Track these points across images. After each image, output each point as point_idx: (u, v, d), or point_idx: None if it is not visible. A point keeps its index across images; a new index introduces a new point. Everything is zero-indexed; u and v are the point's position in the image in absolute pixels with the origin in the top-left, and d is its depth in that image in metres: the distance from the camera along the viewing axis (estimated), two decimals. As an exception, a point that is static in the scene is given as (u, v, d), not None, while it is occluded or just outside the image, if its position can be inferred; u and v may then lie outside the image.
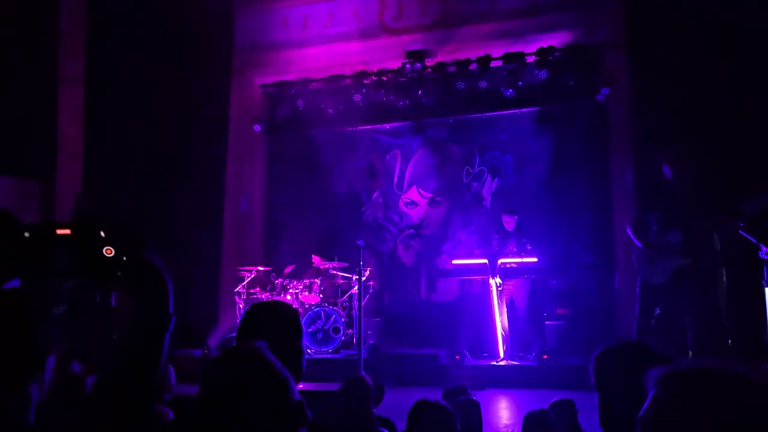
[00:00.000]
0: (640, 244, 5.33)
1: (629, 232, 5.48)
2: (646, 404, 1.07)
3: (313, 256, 8.28)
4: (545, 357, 6.67)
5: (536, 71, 7.96)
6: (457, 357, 6.94)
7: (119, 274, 1.23)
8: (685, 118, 6.70)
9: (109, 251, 1.20)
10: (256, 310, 1.97)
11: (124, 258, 1.23)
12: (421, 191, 9.23)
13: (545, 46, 7.95)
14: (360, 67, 8.75)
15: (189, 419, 1.93)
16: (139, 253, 1.26)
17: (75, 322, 6.01)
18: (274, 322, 1.88)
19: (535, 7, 7.80)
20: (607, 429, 1.77)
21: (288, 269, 8.10)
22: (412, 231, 9.20)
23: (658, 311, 5.30)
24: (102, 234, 1.22)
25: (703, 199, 5.22)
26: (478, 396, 3.84)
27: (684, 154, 5.23)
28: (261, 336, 1.84)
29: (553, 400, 3.35)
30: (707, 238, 5.12)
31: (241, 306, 7.87)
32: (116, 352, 1.26)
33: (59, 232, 1.21)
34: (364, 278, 6.76)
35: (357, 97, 8.74)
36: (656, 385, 1.07)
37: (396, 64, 8.47)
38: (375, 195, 9.40)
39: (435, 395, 3.45)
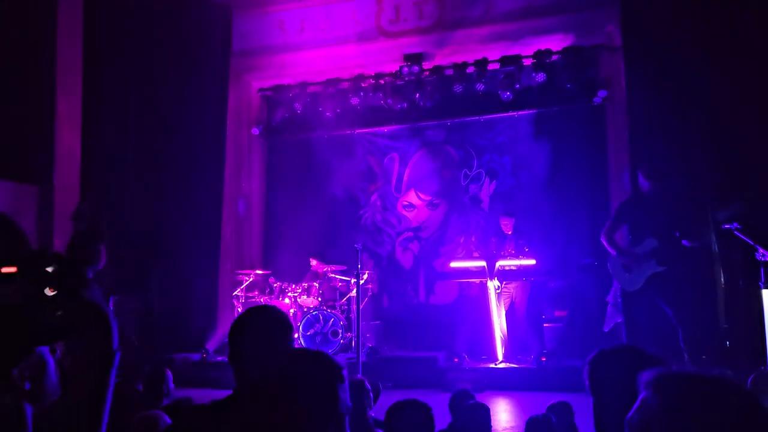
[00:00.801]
0: (614, 252, 5.38)
1: (603, 241, 5.52)
2: (635, 406, 1.08)
3: (311, 259, 8.29)
4: (544, 359, 6.67)
5: (533, 74, 7.98)
6: (456, 360, 6.94)
7: (60, 313, 1.23)
8: (683, 120, 6.71)
9: (51, 290, 1.21)
10: (247, 314, 1.97)
11: (65, 298, 1.24)
12: (419, 194, 9.24)
13: (542, 49, 7.98)
14: (358, 71, 8.77)
15: (187, 424, 1.92)
16: (79, 294, 1.26)
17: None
18: (266, 326, 1.88)
19: (532, 10, 7.81)
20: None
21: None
22: (410, 234, 9.21)
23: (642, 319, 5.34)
24: (47, 270, 1.23)
25: (678, 208, 5.25)
26: (476, 398, 3.84)
27: (659, 166, 5.26)
28: (253, 340, 1.84)
29: (552, 402, 3.35)
30: (681, 245, 5.17)
31: (239, 310, 7.87)
32: (64, 389, 1.26)
33: (4, 270, 1.21)
34: (362, 281, 6.77)
35: (355, 101, 8.76)
36: (645, 388, 1.08)
37: (393, 68, 8.48)
38: (373, 198, 9.41)
39: (434, 398, 3.45)
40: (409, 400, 2.70)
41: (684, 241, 5.17)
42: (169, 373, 3.90)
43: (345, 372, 1.31)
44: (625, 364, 1.70)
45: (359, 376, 3.39)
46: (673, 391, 1.03)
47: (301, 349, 1.33)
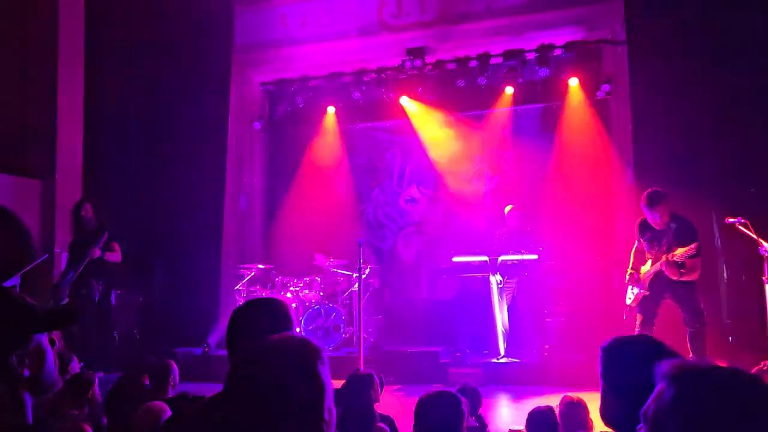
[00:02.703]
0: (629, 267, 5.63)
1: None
2: (651, 397, 1.07)
3: (313, 253, 8.28)
4: (546, 354, 6.66)
5: (536, 68, 7.95)
6: (458, 354, 6.93)
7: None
8: (687, 115, 6.68)
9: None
10: (245, 307, 1.91)
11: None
12: (421, 188, 9.21)
13: (545, 43, 7.94)
14: (359, 65, 8.73)
15: (188, 415, 1.92)
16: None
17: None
18: (266, 318, 1.83)
19: (535, 4, 7.78)
20: (607, 420, 1.76)
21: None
22: (412, 228, 9.19)
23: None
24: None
25: (678, 232, 5.33)
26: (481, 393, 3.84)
27: (656, 192, 5.33)
28: (251, 333, 1.79)
29: (561, 397, 3.33)
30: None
31: (241, 304, 7.86)
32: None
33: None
34: (364, 276, 6.75)
35: (356, 95, 8.73)
36: (662, 379, 1.06)
37: (396, 62, 8.44)
38: (375, 192, 9.39)
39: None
40: (439, 391, 2.65)
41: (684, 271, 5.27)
42: (175, 366, 3.91)
43: (325, 354, 1.26)
44: (640, 353, 1.69)
45: (361, 368, 3.37)
46: (689, 382, 1.02)
47: (276, 339, 1.26)
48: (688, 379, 1.03)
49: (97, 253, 6.24)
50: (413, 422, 2.48)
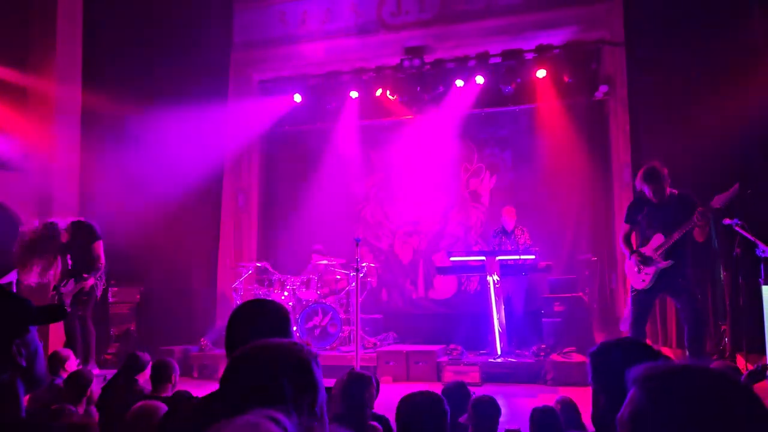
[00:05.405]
0: (627, 254, 5.35)
1: (620, 245, 5.50)
2: (624, 403, 1.06)
3: (310, 252, 8.28)
4: (542, 354, 6.67)
5: (535, 68, 7.96)
6: (455, 353, 6.94)
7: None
8: (684, 116, 6.68)
9: None
10: (243, 307, 1.92)
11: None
12: (419, 188, 9.20)
13: (544, 43, 7.95)
14: (358, 64, 8.73)
15: (183, 414, 1.92)
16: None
17: (72, 317, 5.99)
18: (262, 319, 1.84)
19: (534, 4, 7.79)
20: (598, 424, 1.76)
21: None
22: (409, 227, 9.19)
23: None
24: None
25: (681, 205, 5.19)
26: (476, 392, 3.83)
27: (653, 168, 5.18)
28: (249, 334, 1.80)
29: (556, 396, 3.33)
30: (685, 236, 5.12)
31: (238, 302, 7.85)
32: None
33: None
34: (361, 275, 6.75)
35: (355, 94, 8.73)
36: (633, 384, 1.06)
37: (395, 61, 8.44)
38: (373, 191, 9.38)
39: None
40: (420, 391, 2.65)
41: (694, 237, 5.10)
42: (176, 365, 3.91)
43: (318, 358, 1.28)
44: (628, 356, 1.68)
45: (359, 369, 3.37)
46: (659, 385, 1.01)
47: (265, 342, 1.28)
48: (658, 381, 1.02)
49: (91, 281, 6.10)
50: (395, 421, 2.47)
